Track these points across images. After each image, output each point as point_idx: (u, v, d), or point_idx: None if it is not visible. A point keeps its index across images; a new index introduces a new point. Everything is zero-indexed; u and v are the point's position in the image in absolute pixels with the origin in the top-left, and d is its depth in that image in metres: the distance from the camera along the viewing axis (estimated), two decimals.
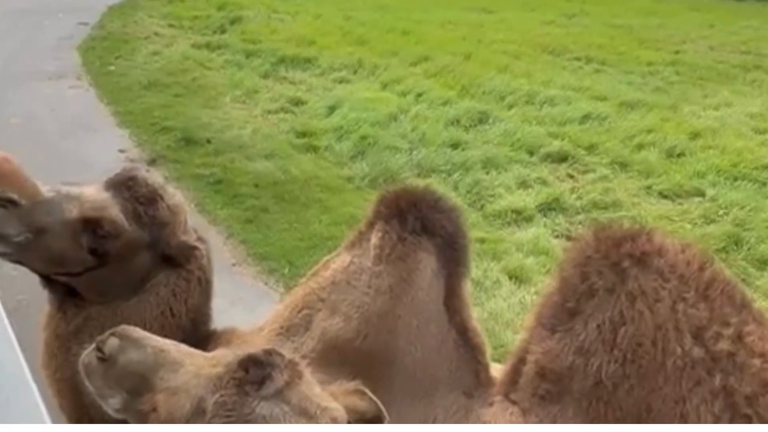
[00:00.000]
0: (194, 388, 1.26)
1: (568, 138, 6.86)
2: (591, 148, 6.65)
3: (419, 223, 1.73)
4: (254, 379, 1.22)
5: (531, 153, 6.56)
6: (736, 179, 6.00)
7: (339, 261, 1.83)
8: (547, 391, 1.52)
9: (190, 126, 6.93)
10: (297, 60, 9.22)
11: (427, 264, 1.72)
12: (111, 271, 1.84)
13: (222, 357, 1.33)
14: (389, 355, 1.64)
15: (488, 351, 1.81)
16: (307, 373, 1.31)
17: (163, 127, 6.93)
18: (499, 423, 1.59)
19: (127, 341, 1.36)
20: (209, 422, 1.22)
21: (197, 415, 1.24)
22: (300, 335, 1.78)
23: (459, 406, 1.69)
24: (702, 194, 5.81)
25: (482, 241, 4.99)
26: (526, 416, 1.55)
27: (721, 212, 5.48)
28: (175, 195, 1.96)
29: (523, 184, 5.92)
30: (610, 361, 1.41)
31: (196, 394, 1.26)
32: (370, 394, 1.35)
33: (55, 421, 1.60)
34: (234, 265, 4.72)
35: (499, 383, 1.70)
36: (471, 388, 1.73)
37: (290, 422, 1.21)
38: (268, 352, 1.28)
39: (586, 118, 7.40)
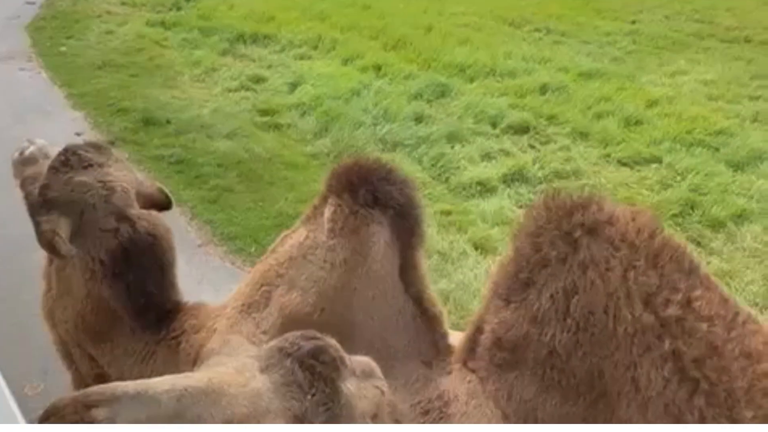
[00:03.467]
0: (271, 405, 1.15)
1: (529, 109, 6.91)
2: (551, 119, 6.72)
3: (371, 196, 1.74)
4: (333, 365, 1.22)
5: (493, 125, 6.60)
6: (691, 145, 6.13)
7: (296, 236, 1.85)
8: (504, 359, 1.55)
9: (148, 106, 6.79)
10: (256, 36, 9.04)
11: (380, 236, 1.73)
12: None
13: (244, 366, 1.22)
14: (347, 327, 1.66)
15: (446, 320, 1.84)
16: None
17: (120, 108, 6.77)
18: (458, 390, 1.62)
19: (118, 404, 1.10)
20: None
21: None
22: (260, 311, 1.79)
23: (419, 375, 1.72)
24: (659, 161, 5.93)
25: (448, 213, 5.03)
26: (484, 384, 1.58)
27: (677, 178, 5.62)
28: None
29: (487, 156, 5.97)
30: (563, 330, 1.43)
31: (282, 410, 1.15)
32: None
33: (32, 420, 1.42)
34: (200, 246, 4.68)
35: (457, 352, 1.73)
36: (430, 357, 1.77)
37: (365, 386, 1.25)
38: (314, 336, 1.25)
39: (545, 88, 7.45)
